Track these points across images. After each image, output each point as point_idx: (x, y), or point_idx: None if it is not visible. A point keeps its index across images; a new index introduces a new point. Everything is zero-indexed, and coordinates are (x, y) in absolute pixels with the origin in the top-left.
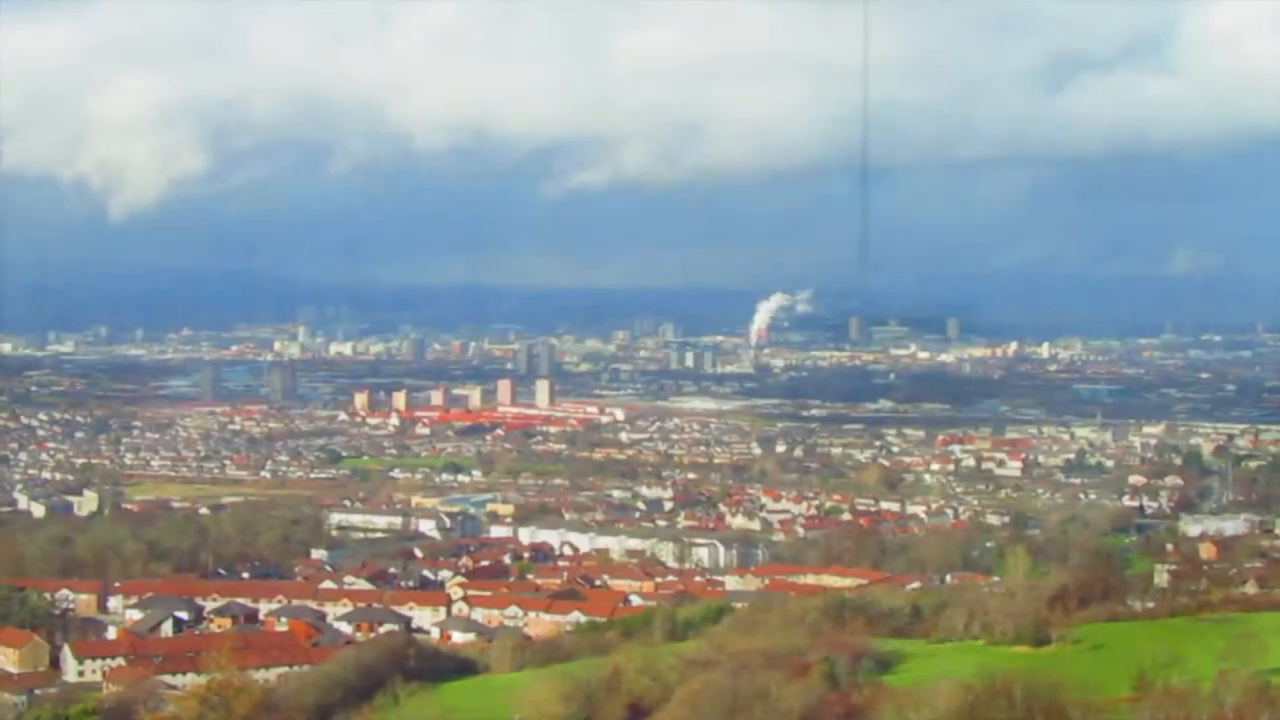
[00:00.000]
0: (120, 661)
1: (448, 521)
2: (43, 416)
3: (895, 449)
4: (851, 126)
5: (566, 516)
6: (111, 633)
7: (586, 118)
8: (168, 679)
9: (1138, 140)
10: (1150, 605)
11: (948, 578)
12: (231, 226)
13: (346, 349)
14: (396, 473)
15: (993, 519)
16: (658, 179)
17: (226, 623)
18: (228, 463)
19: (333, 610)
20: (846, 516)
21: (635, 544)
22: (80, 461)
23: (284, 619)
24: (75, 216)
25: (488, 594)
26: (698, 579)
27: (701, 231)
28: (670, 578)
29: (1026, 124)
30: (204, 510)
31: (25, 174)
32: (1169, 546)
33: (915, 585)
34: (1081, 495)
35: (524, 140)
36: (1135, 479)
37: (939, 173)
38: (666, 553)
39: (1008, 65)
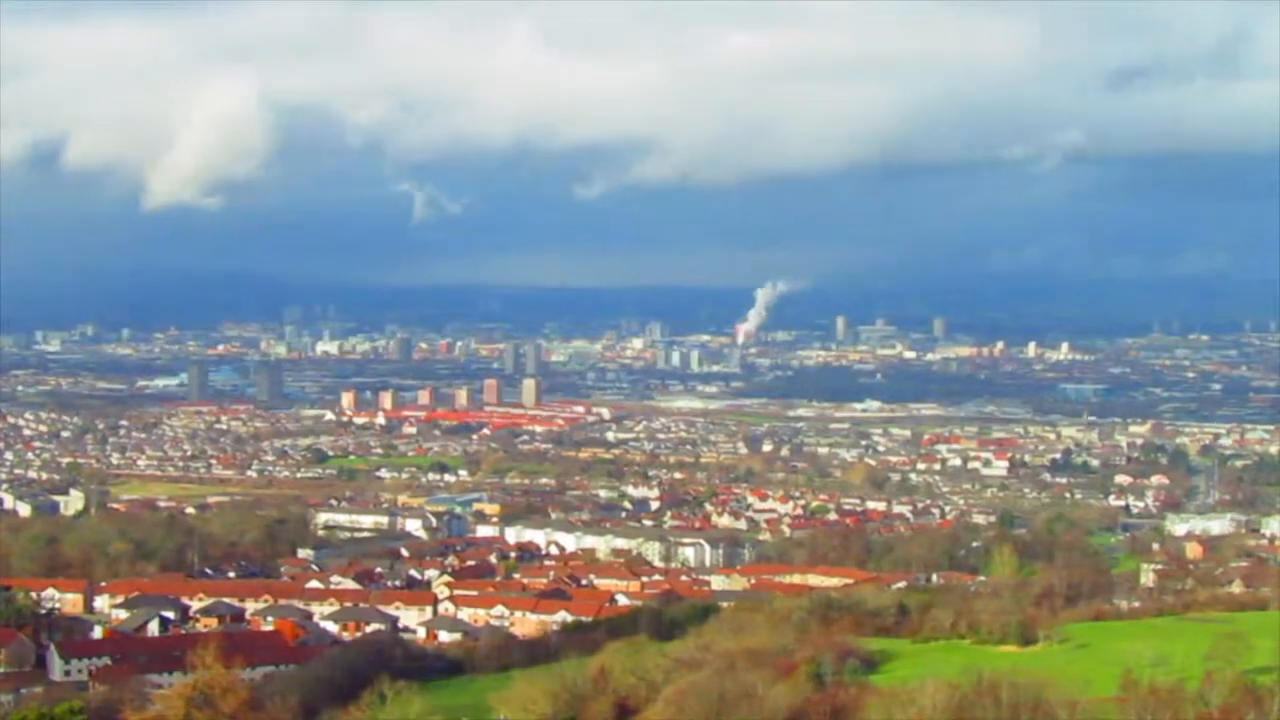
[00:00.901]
0: (106, 660)
1: (434, 521)
2: (29, 416)
3: (881, 448)
4: (915, 126)
5: (553, 516)
6: (97, 632)
7: (658, 117)
8: (154, 678)
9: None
10: (1136, 604)
11: (934, 577)
12: (254, 226)
13: (333, 348)
14: (383, 472)
15: (979, 518)
16: (707, 178)
17: (212, 622)
18: (214, 462)
19: (319, 610)
20: (833, 516)
21: (622, 543)
22: (66, 461)
23: (270, 618)
24: (109, 213)
25: (474, 593)
26: (684, 578)
27: (732, 231)
28: (656, 577)
29: (1077, 124)
30: (190, 509)
31: (85, 171)
32: (1155, 546)
33: (901, 584)
34: (1068, 494)
35: (590, 139)
36: (1121, 478)
37: (982, 172)
38: (653, 552)
39: (1061, 68)
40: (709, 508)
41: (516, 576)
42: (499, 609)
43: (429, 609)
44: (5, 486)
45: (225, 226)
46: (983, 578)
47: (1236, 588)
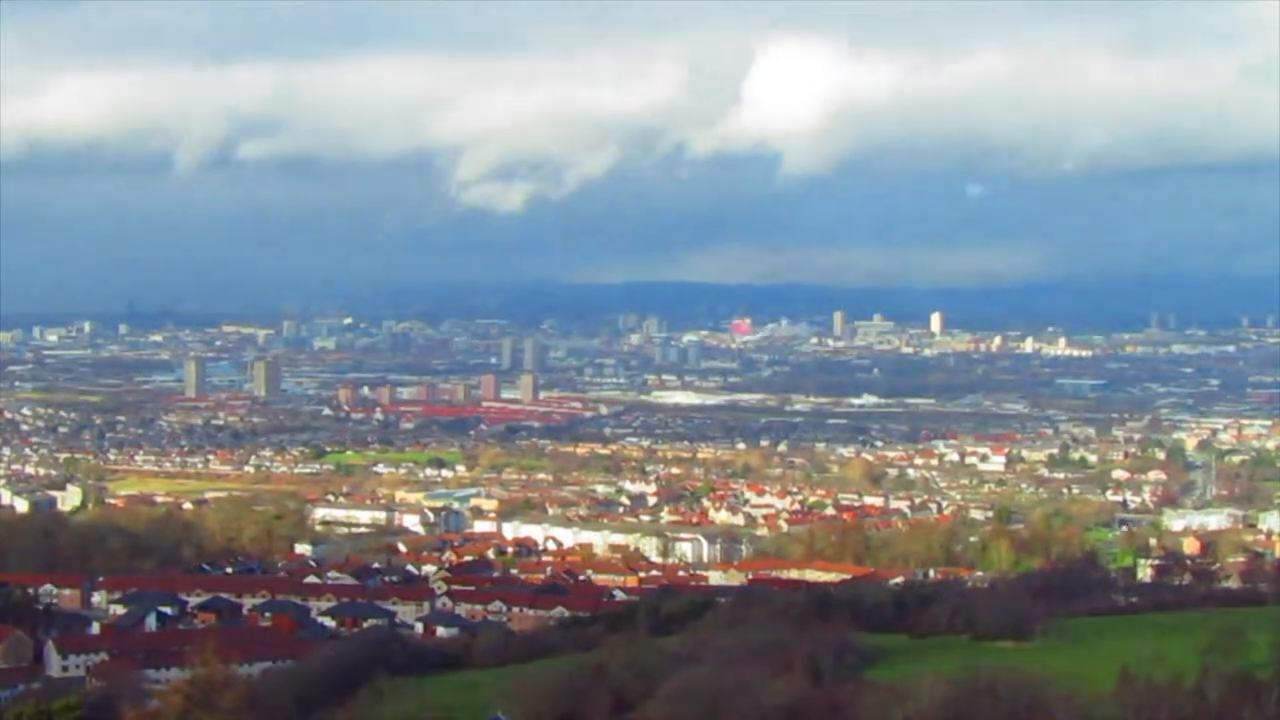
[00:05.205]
0: (103, 656)
1: (431, 516)
2: (26, 412)
3: (879, 443)
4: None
5: (550, 511)
6: (95, 628)
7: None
8: (151, 674)
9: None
10: (1133, 600)
11: (931, 572)
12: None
13: (330, 344)
14: (380, 467)
15: (976, 514)
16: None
17: (210, 617)
18: (211, 457)
19: (316, 605)
20: (830, 511)
21: (619, 539)
22: (64, 457)
23: (267, 614)
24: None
25: (471, 589)
26: (681, 573)
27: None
28: (654, 572)
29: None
30: (187, 505)
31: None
32: (1152, 541)
33: (899, 580)
34: (1065, 490)
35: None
36: (1118, 474)
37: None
38: (650, 547)
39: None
40: (706, 503)
41: (514, 572)
42: (496, 604)
43: (426, 604)
44: (3, 482)
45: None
46: (980, 573)
47: (1234, 583)
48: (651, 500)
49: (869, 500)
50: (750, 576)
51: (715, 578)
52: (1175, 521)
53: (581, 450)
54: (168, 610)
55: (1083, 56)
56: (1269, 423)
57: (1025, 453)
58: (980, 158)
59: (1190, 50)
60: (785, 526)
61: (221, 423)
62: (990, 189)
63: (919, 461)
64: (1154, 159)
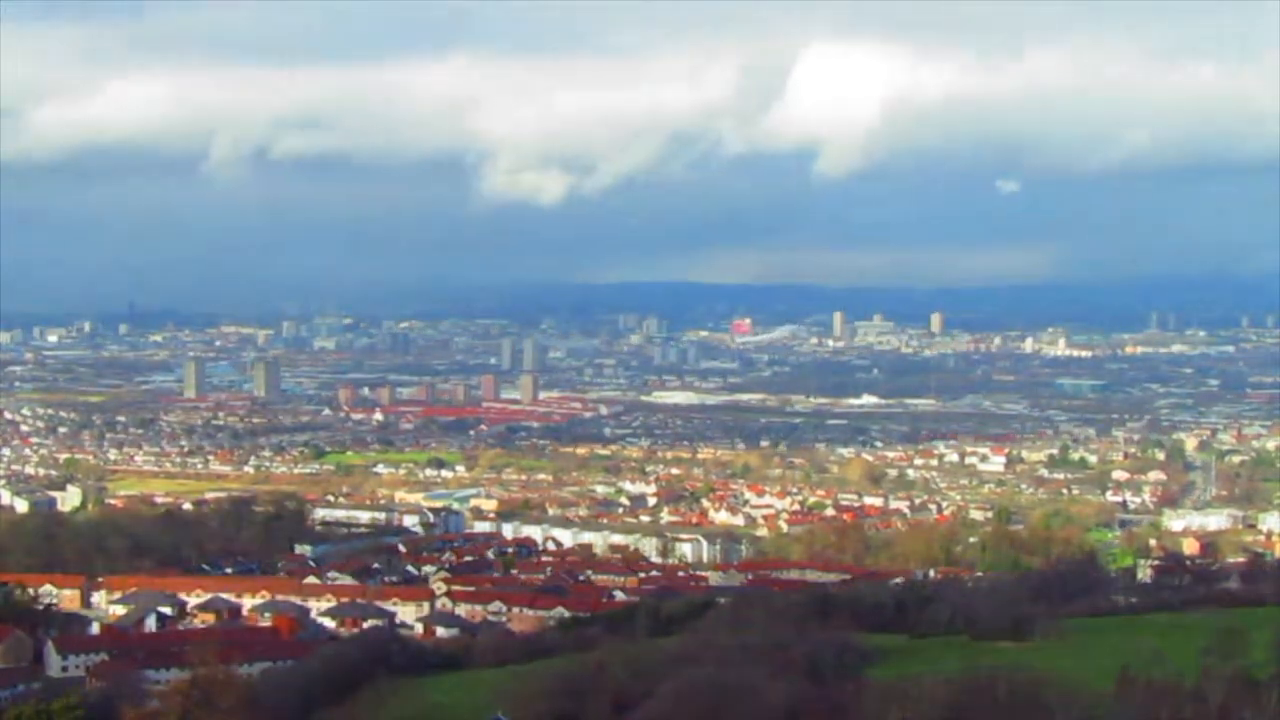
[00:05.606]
0: (104, 656)
1: (431, 517)
2: (26, 411)
3: (879, 444)
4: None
5: (550, 512)
6: (95, 628)
7: None
8: (151, 674)
9: None
10: (1133, 600)
11: (931, 572)
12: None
13: (330, 344)
14: (380, 468)
15: (976, 514)
16: None
17: (210, 618)
18: (211, 458)
19: (316, 605)
20: (830, 512)
21: (619, 539)
22: (64, 456)
23: (267, 614)
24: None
25: (471, 589)
26: (681, 574)
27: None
28: (654, 573)
29: None
30: (187, 505)
31: None
32: (1152, 542)
33: (899, 580)
34: (1065, 490)
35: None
36: (1118, 474)
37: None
38: (650, 548)
39: None
40: (706, 503)
41: (514, 572)
42: (496, 605)
43: (426, 605)
44: (3, 482)
45: None
46: (980, 573)
47: (1234, 583)
48: (651, 501)
49: (869, 500)
50: (750, 577)
51: (715, 578)
52: (1175, 522)
53: (581, 451)
54: (168, 610)
55: (1103, 63)
56: (1269, 423)
57: (1025, 453)
58: (994, 163)
59: (1215, 56)
60: (785, 527)
61: (221, 423)
62: (1001, 193)
63: (919, 462)
64: (1161, 162)
